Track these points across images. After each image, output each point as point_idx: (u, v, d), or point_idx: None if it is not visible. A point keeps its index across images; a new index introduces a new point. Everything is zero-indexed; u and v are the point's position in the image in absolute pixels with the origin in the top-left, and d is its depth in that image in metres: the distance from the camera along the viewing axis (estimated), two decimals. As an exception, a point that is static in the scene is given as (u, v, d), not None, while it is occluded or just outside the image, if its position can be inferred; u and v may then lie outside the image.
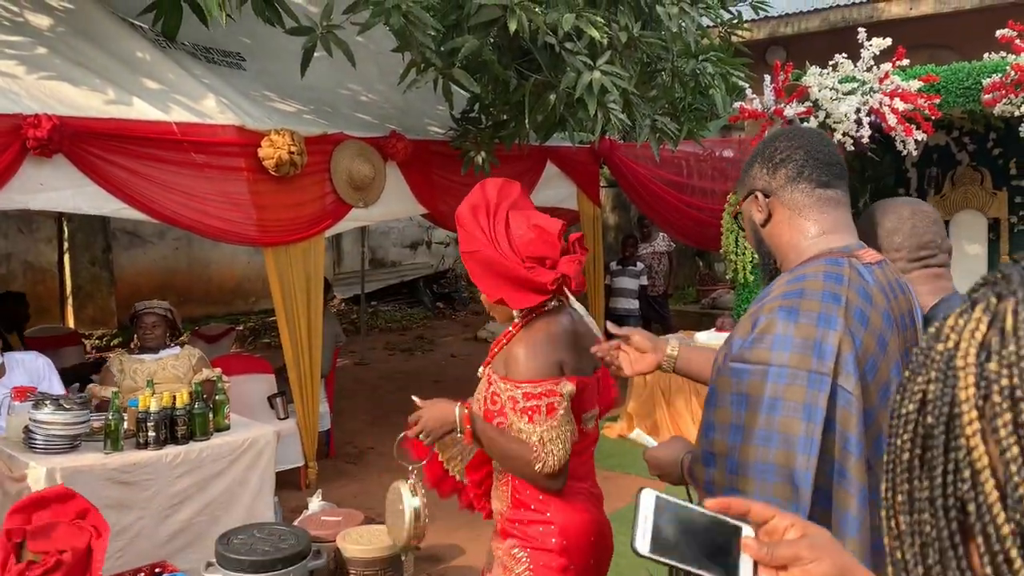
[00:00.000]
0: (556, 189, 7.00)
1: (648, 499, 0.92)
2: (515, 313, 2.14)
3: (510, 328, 2.16)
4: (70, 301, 9.42)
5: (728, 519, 0.92)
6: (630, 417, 6.11)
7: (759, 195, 1.61)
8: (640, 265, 8.44)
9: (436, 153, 5.68)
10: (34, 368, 4.03)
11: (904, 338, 1.54)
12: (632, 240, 8.74)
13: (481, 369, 2.23)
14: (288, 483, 5.10)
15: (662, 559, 0.89)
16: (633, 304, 8.28)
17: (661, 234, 9.02)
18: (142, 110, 4.35)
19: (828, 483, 1.37)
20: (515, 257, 2.04)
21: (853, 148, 6.04)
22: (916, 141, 5.77)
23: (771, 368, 1.38)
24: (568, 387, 1.99)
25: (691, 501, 1.61)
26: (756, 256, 1.76)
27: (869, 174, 7.74)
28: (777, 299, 1.45)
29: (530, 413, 1.97)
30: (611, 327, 2.07)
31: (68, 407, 3.41)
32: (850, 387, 1.37)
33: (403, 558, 3.63)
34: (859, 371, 1.39)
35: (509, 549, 2.08)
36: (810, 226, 1.56)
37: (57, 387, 4.01)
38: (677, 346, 1.94)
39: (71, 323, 9.16)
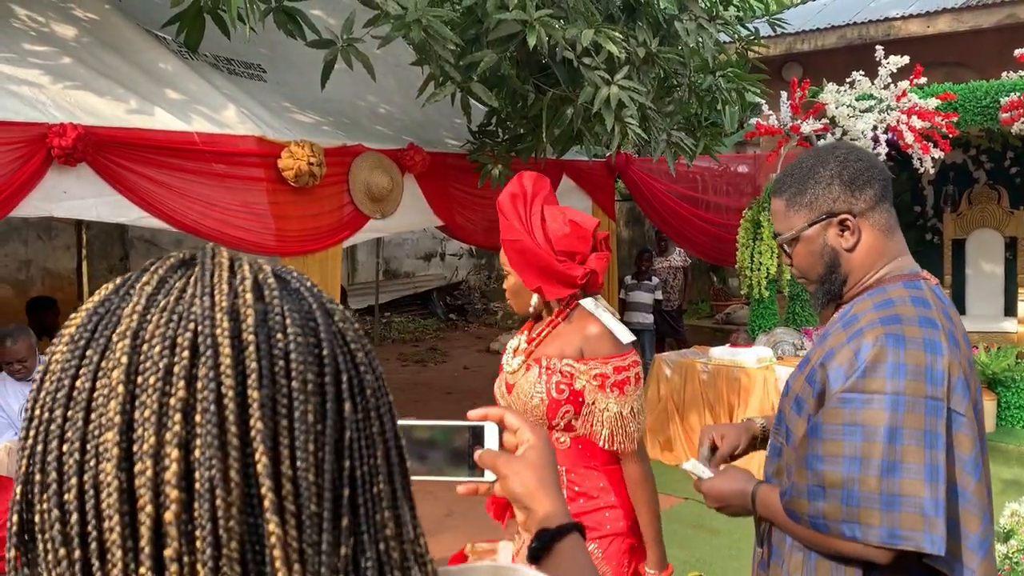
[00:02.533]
0: (571, 203, 6.99)
1: None
2: (554, 303, 2.18)
3: (548, 318, 2.20)
4: (87, 308, 9.48)
5: (471, 423, 0.96)
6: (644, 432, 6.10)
7: (848, 217, 1.53)
8: (655, 279, 8.44)
9: (453, 166, 5.72)
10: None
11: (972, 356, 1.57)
12: (647, 255, 8.74)
13: (512, 362, 2.24)
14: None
15: (413, 477, 0.94)
16: (648, 319, 8.27)
17: (677, 249, 9.02)
18: (164, 120, 4.40)
19: (952, 507, 1.37)
20: (549, 249, 2.10)
21: (870, 165, 6.04)
22: (933, 159, 5.77)
23: (887, 396, 1.36)
24: (638, 357, 2.16)
25: (760, 535, 1.61)
26: (805, 280, 1.64)
27: (885, 191, 7.73)
28: (877, 325, 1.42)
29: (621, 386, 2.06)
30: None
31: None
32: (962, 409, 1.39)
33: None
34: (967, 393, 1.40)
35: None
36: (891, 247, 1.55)
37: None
38: (764, 420, 1.86)
39: (87, 330, 9.22)
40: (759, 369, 5.54)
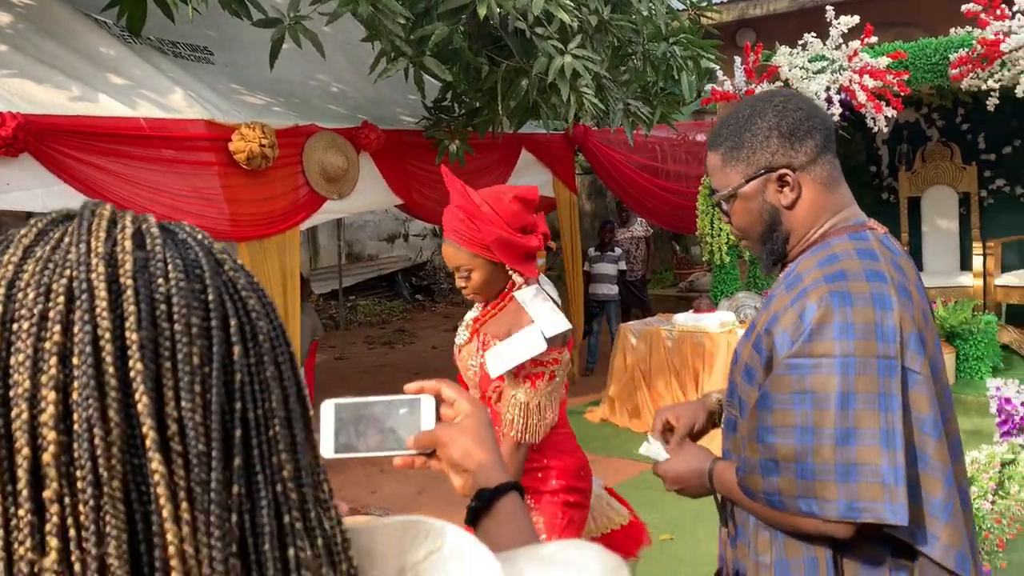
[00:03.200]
0: (532, 177, 6.97)
1: (327, 409, 0.97)
2: (518, 280, 2.20)
3: (489, 303, 2.25)
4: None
5: (407, 396, 0.98)
6: (611, 401, 6.13)
7: (787, 172, 1.42)
8: (618, 250, 8.45)
9: (409, 143, 5.65)
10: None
11: (930, 307, 1.48)
12: (610, 226, 8.74)
13: (462, 333, 2.30)
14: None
15: (347, 455, 0.96)
16: (613, 289, 8.29)
17: (639, 219, 9.04)
18: (109, 106, 4.29)
19: (911, 471, 1.28)
20: (511, 231, 2.13)
21: (824, 126, 6.07)
22: (886, 118, 5.81)
23: (836, 359, 1.27)
24: (567, 356, 2.17)
25: (721, 509, 1.55)
26: (747, 241, 1.55)
27: (840, 152, 7.76)
28: (821, 283, 1.32)
29: (534, 379, 2.09)
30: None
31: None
32: (917, 367, 1.30)
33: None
34: (923, 349, 1.31)
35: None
36: (834, 200, 1.44)
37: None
38: (719, 396, 1.77)
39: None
40: (722, 333, 5.59)
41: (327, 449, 0.95)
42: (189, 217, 4.56)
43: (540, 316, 2.13)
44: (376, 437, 0.96)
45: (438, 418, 0.97)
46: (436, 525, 0.70)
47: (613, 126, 5.49)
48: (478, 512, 0.92)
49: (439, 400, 0.98)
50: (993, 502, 3.06)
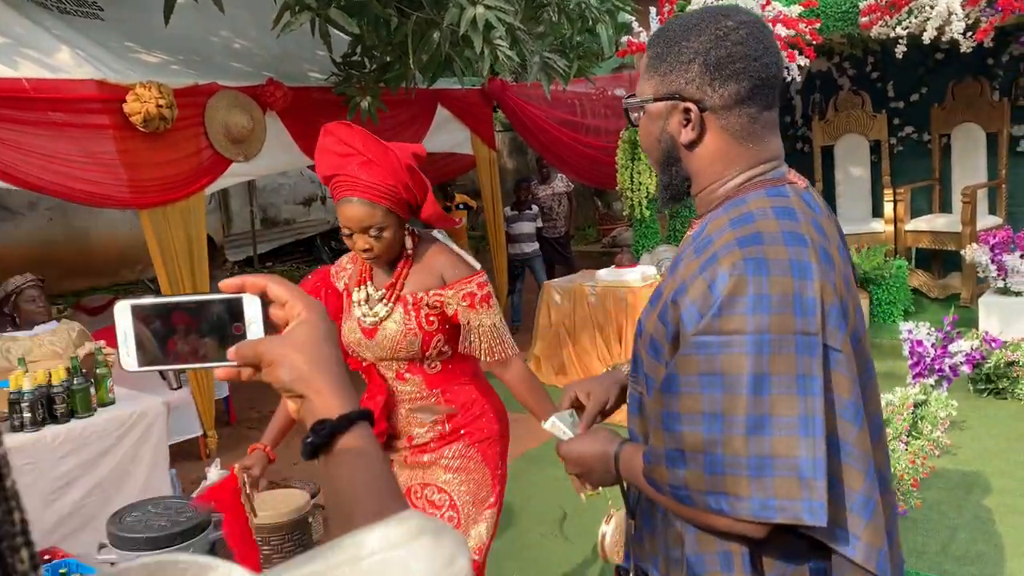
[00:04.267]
0: (449, 134, 6.83)
1: (123, 312, 0.81)
2: (408, 245, 2.17)
3: (402, 260, 2.18)
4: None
5: (225, 295, 0.81)
6: (537, 360, 6.10)
7: (692, 109, 1.25)
8: (535, 208, 8.38)
9: (318, 100, 5.43)
10: None
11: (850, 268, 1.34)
12: (526, 183, 8.64)
13: (376, 310, 2.17)
14: (188, 454, 4.90)
15: (154, 368, 0.83)
16: (534, 246, 8.23)
17: (560, 175, 8.97)
18: (-13, 67, 3.98)
19: (832, 464, 1.15)
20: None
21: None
22: (800, 67, 5.84)
23: (749, 337, 1.11)
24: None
25: (627, 501, 1.41)
26: (658, 179, 1.40)
27: (756, 103, 7.85)
28: (733, 248, 1.16)
29: (487, 300, 2.12)
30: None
31: (-74, 394, 3.13)
32: (838, 344, 1.15)
33: (310, 520, 3.53)
34: (844, 322, 1.17)
35: (458, 450, 2.19)
36: (747, 155, 1.27)
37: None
38: (625, 365, 1.63)
39: (-61, 306, 8.52)
40: (645, 287, 5.59)
41: (129, 362, 0.81)
42: (84, 184, 4.31)
43: (464, 255, 2.18)
44: (189, 346, 0.80)
45: (267, 322, 0.80)
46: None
47: (530, 80, 5.38)
48: (316, 449, 0.77)
49: (266, 300, 0.81)
50: (907, 443, 3.13)
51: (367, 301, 2.18)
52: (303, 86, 5.37)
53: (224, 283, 0.80)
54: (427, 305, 2.11)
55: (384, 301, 2.16)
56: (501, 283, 7.43)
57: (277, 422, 2.42)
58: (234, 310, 0.80)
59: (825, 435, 1.12)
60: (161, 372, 4.99)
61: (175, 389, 4.92)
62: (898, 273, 6.26)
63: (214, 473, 4.00)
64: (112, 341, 4.32)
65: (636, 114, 1.37)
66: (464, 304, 2.11)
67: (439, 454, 2.19)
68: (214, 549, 3.29)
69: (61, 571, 3.05)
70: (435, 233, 2.21)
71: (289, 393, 0.79)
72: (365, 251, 2.08)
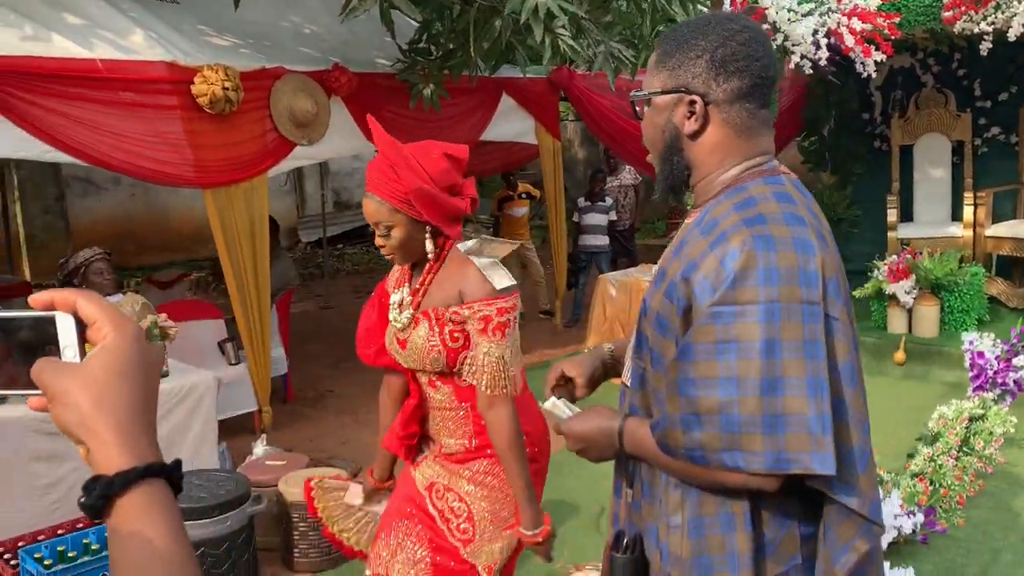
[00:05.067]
0: (513, 123, 6.82)
1: None
2: (429, 248, 2.08)
3: (427, 265, 2.11)
4: (24, 251, 9.20)
5: (33, 313, 0.69)
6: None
7: (698, 101, 1.37)
8: (609, 200, 8.30)
9: (383, 87, 5.49)
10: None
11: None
12: (600, 175, 8.57)
13: (401, 318, 2.13)
14: (243, 428, 5.04)
15: None
16: (603, 240, 8.17)
17: (627, 167, 8.87)
18: (64, 47, 4.14)
19: (834, 421, 1.26)
20: (437, 188, 2.00)
21: (812, 71, 5.90)
22: (876, 63, 5.64)
23: (760, 306, 1.22)
24: (518, 302, 2.08)
25: (628, 474, 1.46)
26: (651, 156, 1.49)
27: (833, 98, 7.60)
28: (741, 227, 1.27)
29: (503, 329, 1.99)
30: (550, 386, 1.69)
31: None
32: (837, 313, 1.27)
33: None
34: (840, 295, 1.28)
35: (482, 467, 2.12)
36: (744, 148, 1.39)
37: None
38: (611, 347, 1.73)
39: (27, 274, 8.95)
40: (703, 284, 5.49)
41: None
42: (152, 163, 4.45)
43: (489, 271, 2.03)
44: (3, 369, 0.70)
45: (83, 342, 0.69)
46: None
47: (594, 70, 5.33)
48: (92, 512, 0.64)
49: (81, 320, 0.69)
50: (957, 458, 2.99)
51: (400, 305, 2.16)
52: (368, 72, 5.43)
53: (33, 298, 0.69)
54: (450, 321, 2.04)
55: (409, 308, 2.13)
56: (560, 276, 7.39)
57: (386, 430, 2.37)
58: (46, 331, 0.69)
59: (830, 394, 1.23)
60: (221, 347, 5.14)
61: (233, 364, 5.07)
62: (973, 280, 5.99)
63: (260, 448, 4.12)
64: (174, 315, 4.48)
65: (642, 108, 1.47)
66: (478, 327, 2.00)
67: (466, 466, 2.14)
68: (251, 523, 3.38)
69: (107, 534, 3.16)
70: (469, 244, 2.08)
71: (71, 438, 0.66)
72: (381, 248, 2.08)
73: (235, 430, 4.92)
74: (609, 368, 1.70)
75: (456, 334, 2.03)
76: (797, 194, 1.36)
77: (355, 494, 2.33)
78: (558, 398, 1.57)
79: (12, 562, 3.07)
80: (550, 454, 2.28)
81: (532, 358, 6.44)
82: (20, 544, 3.10)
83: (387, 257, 2.11)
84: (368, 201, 2.04)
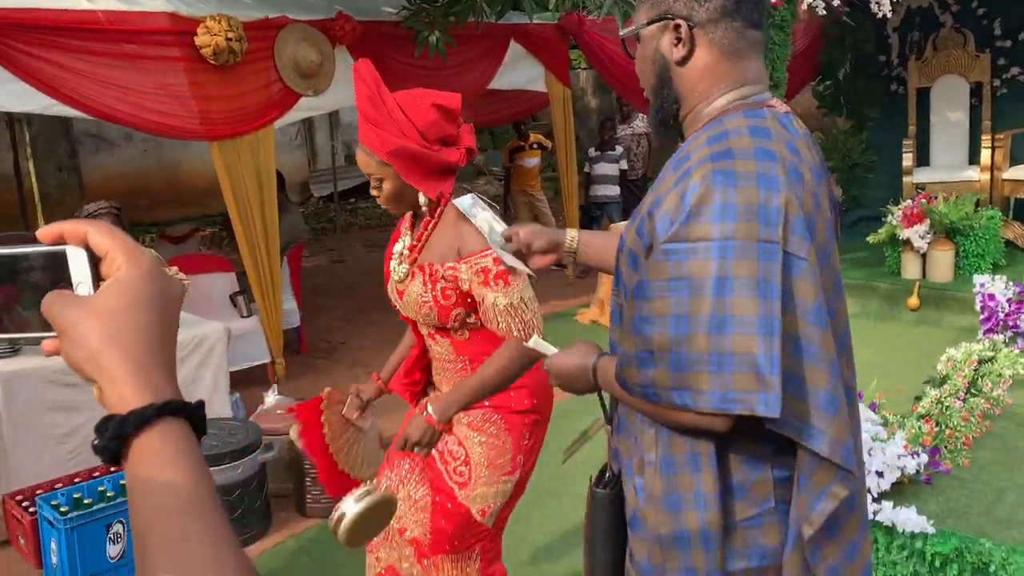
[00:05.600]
0: (522, 71, 6.73)
1: None
2: (422, 201, 2.06)
3: (424, 219, 2.09)
4: (39, 209, 9.23)
5: (44, 248, 0.64)
6: (601, 303, 6.06)
7: (682, 24, 1.33)
8: (619, 149, 8.21)
9: (388, 35, 5.42)
10: None
11: (826, 193, 1.38)
12: (610, 123, 8.47)
13: (399, 269, 2.13)
14: (257, 380, 5.09)
15: None
16: (614, 190, 8.10)
17: (640, 115, 8.76)
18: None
19: (795, 363, 1.22)
20: (421, 141, 1.96)
21: (825, 12, 5.76)
22: (892, 2, 5.49)
23: (714, 243, 1.19)
24: None
25: (605, 410, 1.50)
26: (646, 93, 1.46)
27: (848, 41, 7.45)
28: (706, 162, 1.24)
29: (504, 277, 1.95)
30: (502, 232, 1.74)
31: None
32: (803, 253, 1.22)
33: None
34: (810, 235, 1.23)
35: (482, 415, 2.11)
36: (733, 73, 1.35)
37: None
38: (576, 236, 1.72)
39: (42, 231, 9.00)
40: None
41: None
42: (157, 115, 4.44)
43: (484, 227, 1.94)
44: (8, 312, 0.65)
45: (97, 278, 0.64)
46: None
47: (601, 15, 5.23)
48: (108, 455, 0.59)
49: (93, 253, 0.64)
50: (964, 399, 2.99)
51: (400, 255, 2.15)
52: (373, 20, 5.36)
53: (41, 232, 0.64)
54: (443, 278, 2.02)
55: (407, 262, 2.12)
56: (572, 227, 7.35)
57: (395, 356, 2.39)
58: (57, 266, 0.64)
59: (784, 335, 1.19)
60: (233, 300, 5.18)
61: (245, 317, 5.11)
62: (988, 224, 5.90)
63: (271, 399, 4.17)
64: (185, 268, 4.51)
65: (633, 46, 1.44)
66: (477, 280, 1.97)
67: (467, 413, 2.13)
68: (263, 470, 3.44)
69: (122, 482, 3.23)
70: (464, 200, 1.98)
71: (81, 376, 0.61)
72: (376, 197, 2.07)
73: (249, 381, 4.98)
74: (570, 256, 1.68)
75: (448, 291, 2.02)
76: (778, 128, 1.30)
77: (353, 406, 2.35)
78: (538, 338, 1.60)
79: (31, 509, 3.14)
80: (552, 406, 2.25)
81: (544, 309, 6.43)
82: (38, 492, 3.18)
83: (385, 207, 2.09)
84: (359, 151, 2.02)
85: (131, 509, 0.58)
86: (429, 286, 2.03)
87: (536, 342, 1.59)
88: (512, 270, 1.58)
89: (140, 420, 0.58)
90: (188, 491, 0.58)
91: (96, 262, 0.64)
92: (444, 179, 2.03)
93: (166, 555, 0.54)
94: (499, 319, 1.97)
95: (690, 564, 1.31)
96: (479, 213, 1.92)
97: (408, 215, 2.18)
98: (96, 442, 0.59)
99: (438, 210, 2.07)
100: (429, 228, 2.08)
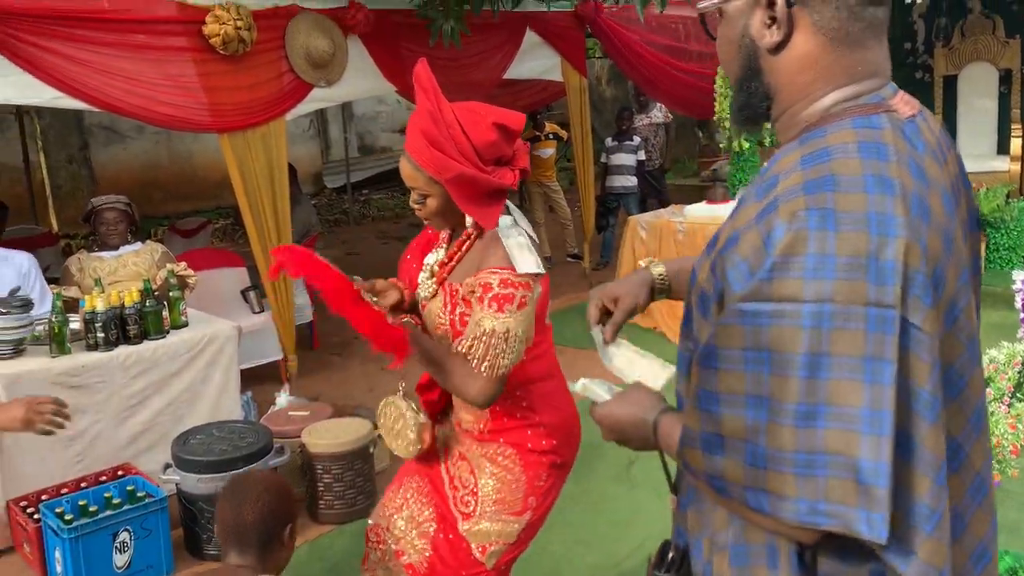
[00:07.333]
0: (538, 60, 6.57)
1: None
2: (469, 223, 1.93)
3: (462, 236, 1.96)
4: (50, 202, 9.18)
5: None
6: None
7: (778, 1, 1.04)
8: (637, 139, 8.06)
9: (401, 24, 5.28)
10: (17, 265, 3.77)
11: (962, 220, 1.07)
12: (628, 113, 8.32)
13: (427, 283, 1.99)
14: (269, 377, 4.99)
15: None
16: (631, 181, 7.96)
17: (658, 104, 8.61)
18: (69, -14, 3.99)
19: (898, 465, 0.94)
20: (479, 162, 1.79)
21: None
22: (922, -14, 5.32)
23: (806, 306, 0.92)
24: (539, 291, 1.89)
25: (669, 476, 1.26)
26: (733, 98, 1.16)
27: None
28: (798, 194, 0.95)
29: (500, 302, 1.79)
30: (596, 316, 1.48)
31: (5, 311, 3.22)
32: (920, 320, 0.93)
33: (371, 450, 3.52)
34: (931, 294, 0.94)
35: (496, 449, 2.00)
36: (842, 65, 1.05)
37: (39, 287, 3.76)
38: (662, 266, 1.48)
39: (53, 224, 8.95)
40: (737, 224, 5.31)
41: None
42: (166, 107, 4.32)
43: (514, 251, 1.83)
44: None
45: None
46: None
47: (621, 1, 5.09)
48: None
49: None
50: (1010, 404, 2.83)
51: (430, 268, 2.01)
52: (385, 8, 5.22)
53: None
54: (462, 300, 1.89)
55: (432, 278, 1.98)
56: (588, 219, 7.21)
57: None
58: None
59: (894, 433, 0.91)
60: (244, 295, 5.07)
61: (256, 313, 5.00)
62: (1021, 216, 5.73)
63: (282, 399, 4.07)
64: (195, 263, 4.40)
65: (715, 24, 1.15)
66: (476, 296, 1.83)
67: (483, 444, 2.01)
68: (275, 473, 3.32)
69: (129, 488, 3.13)
70: (504, 220, 1.88)
71: None
72: (416, 210, 1.92)
73: (262, 378, 4.88)
74: (659, 292, 1.47)
75: (466, 317, 1.88)
76: (898, 143, 0.99)
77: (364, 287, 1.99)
78: (589, 381, 1.35)
79: (35, 515, 3.04)
80: (576, 451, 2.09)
81: (560, 302, 6.32)
82: (43, 497, 3.08)
83: (425, 220, 1.94)
84: (405, 162, 1.85)
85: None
86: (448, 308, 1.91)
87: (584, 387, 1.34)
88: (592, 402, 1.33)
89: None
90: None
91: None
92: (497, 203, 1.87)
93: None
94: (472, 340, 1.81)
95: None
96: (512, 236, 1.84)
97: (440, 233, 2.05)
98: None
99: (479, 231, 1.93)
100: (463, 248, 1.94)
